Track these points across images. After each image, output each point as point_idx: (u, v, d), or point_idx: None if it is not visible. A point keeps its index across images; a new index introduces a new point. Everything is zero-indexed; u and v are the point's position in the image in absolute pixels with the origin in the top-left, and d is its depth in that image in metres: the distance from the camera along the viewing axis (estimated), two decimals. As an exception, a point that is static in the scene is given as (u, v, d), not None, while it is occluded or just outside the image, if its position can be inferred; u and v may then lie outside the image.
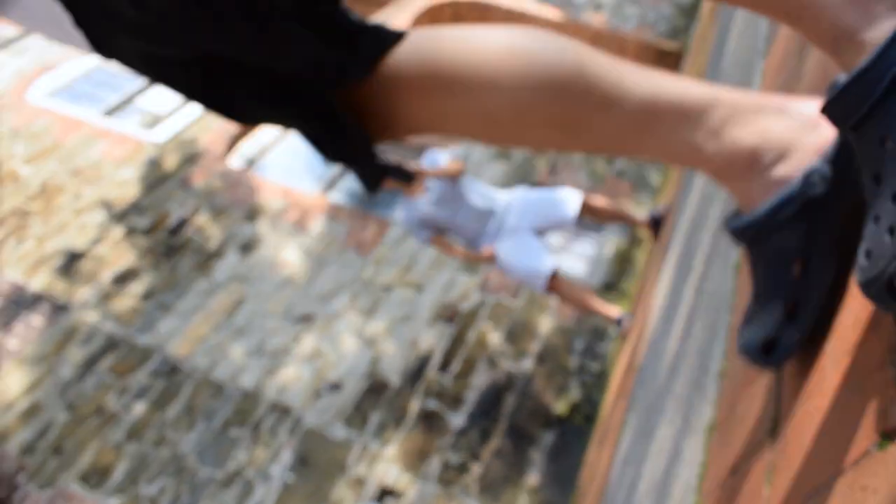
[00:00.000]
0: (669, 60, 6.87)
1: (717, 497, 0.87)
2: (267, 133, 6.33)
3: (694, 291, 1.73)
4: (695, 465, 1.05)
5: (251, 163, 6.03)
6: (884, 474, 0.43)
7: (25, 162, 5.88)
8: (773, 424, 0.71)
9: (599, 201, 3.79)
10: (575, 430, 4.01)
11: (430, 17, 6.88)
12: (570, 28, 7.06)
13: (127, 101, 6.53)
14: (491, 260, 3.71)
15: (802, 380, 0.66)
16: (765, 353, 0.66)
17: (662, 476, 1.30)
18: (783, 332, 0.65)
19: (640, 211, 5.28)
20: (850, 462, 0.48)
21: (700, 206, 2.30)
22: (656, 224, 3.92)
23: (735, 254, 1.32)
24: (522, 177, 5.71)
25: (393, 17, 6.41)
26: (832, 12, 0.53)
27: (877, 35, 0.50)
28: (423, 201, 3.64)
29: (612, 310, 3.82)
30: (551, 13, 7.10)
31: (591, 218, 3.81)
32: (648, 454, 1.59)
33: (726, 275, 1.33)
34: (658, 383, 1.84)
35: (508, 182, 5.62)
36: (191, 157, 5.90)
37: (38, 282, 4.91)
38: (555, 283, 3.65)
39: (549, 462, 3.88)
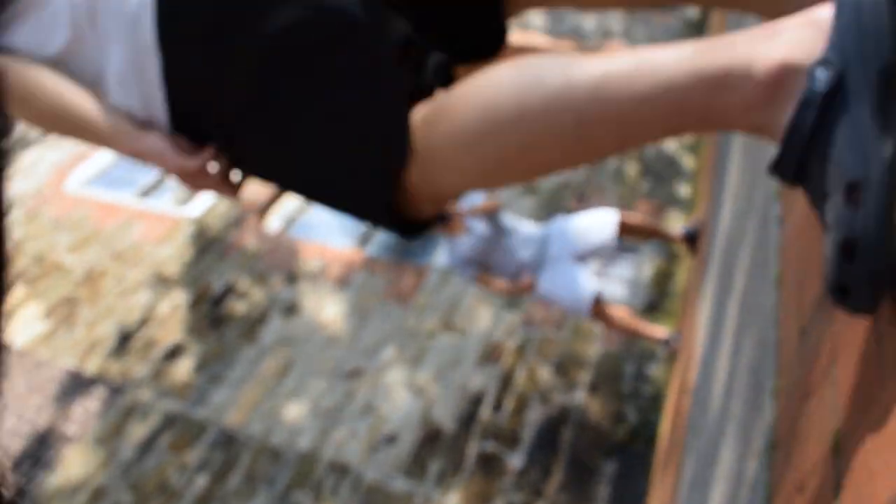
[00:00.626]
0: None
1: (787, 518, 0.85)
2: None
3: (738, 307, 1.71)
4: (760, 486, 1.03)
5: (290, 222, 6.13)
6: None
7: (68, 251, 6.06)
8: (836, 440, 0.71)
9: (635, 218, 3.78)
10: (636, 456, 3.94)
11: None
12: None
13: (160, 181, 6.72)
14: (529, 289, 3.71)
15: (860, 391, 0.66)
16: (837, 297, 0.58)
17: (730, 499, 1.28)
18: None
19: (674, 227, 5.24)
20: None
21: (734, 218, 2.28)
22: (692, 239, 3.89)
23: (775, 266, 1.31)
24: (552, 208, 5.72)
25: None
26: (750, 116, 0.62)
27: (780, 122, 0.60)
28: (466, 240, 3.68)
29: (659, 330, 3.78)
30: (563, 45, 7.17)
31: (628, 236, 3.79)
32: (713, 477, 1.56)
33: (769, 288, 1.32)
34: (714, 404, 1.82)
35: (539, 215, 5.62)
36: (227, 227, 6.03)
37: (92, 365, 5.02)
38: (598, 307, 3.62)
39: (614, 491, 3.81)
